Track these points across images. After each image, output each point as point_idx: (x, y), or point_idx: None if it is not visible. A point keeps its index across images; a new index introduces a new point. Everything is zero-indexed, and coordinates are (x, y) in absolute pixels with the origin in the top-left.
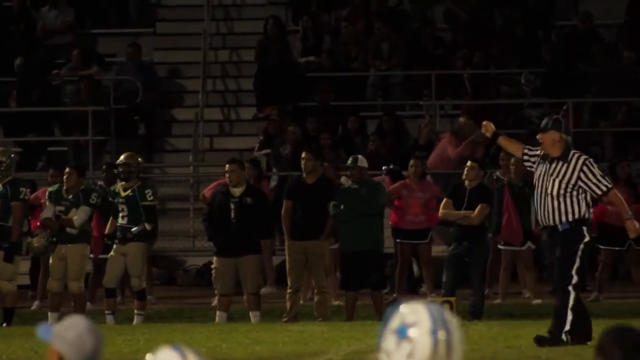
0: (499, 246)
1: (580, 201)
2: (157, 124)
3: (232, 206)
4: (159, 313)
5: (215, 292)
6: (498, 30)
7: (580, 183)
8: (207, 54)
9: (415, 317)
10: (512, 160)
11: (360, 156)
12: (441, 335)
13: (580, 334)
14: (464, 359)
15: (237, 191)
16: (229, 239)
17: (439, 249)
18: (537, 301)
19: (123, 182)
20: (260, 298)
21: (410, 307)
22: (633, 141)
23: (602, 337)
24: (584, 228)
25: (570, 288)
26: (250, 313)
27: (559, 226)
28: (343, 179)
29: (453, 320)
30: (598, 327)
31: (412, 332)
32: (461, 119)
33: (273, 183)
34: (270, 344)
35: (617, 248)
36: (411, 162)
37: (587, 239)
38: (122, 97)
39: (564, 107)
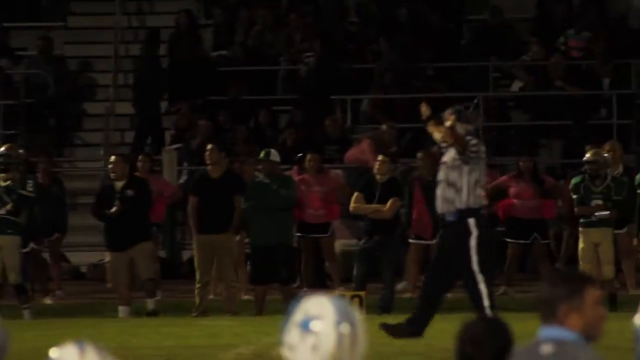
0: (410, 240)
1: (469, 190)
2: (68, 118)
3: (115, 201)
4: (68, 308)
5: (108, 285)
6: (409, 25)
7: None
8: (118, 48)
9: (319, 310)
10: (420, 154)
11: (272, 150)
12: (345, 328)
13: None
14: (374, 353)
15: (119, 184)
16: (116, 232)
17: (347, 243)
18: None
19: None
20: (157, 285)
21: (314, 300)
22: (543, 136)
23: (471, 329)
24: (471, 220)
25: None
26: (147, 300)
27: (446, 216)
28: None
29: (357, 314)
30: (509, 322)
31: (316, 325)
32: (383, 126)
33: (184, 177)
34: (180, 338)
35: (523, 242)
36: (308, 156)
37: (475, 232)
38: (32, 91)
39: (475, 101)
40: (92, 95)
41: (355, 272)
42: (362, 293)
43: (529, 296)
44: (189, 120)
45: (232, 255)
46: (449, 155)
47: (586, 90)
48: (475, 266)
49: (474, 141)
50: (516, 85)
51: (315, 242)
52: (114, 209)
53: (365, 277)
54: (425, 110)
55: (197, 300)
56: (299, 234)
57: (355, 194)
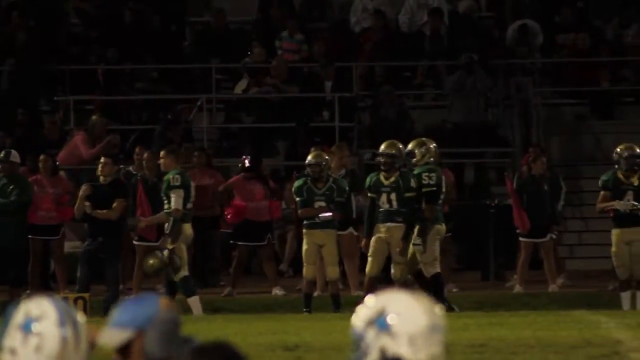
0: (134, 242)
1: None
2: None
3: None
4: None
5: None
6: (131, 26)
7: None
8: None
9: (40, 310)
10: (145, 155)
11: (13, 151)
12: (69, 329)
13: None
14: (99, 355)
15: None
16: None
17: (73, 245)
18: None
19: None
20: None
21: (35, 302)
22: (272, 137)
23: (192, 356)
24: None
25: None
26: None
27: None
28: None
29: (79, 315)
30: (231, 323)
31: (38, 326)
32: (94, 117)
33: None
34: None
35: (254, 243)
36: (41, 157)
37: None
38: None
39: (198, 103)
40: None
41: (78, 274)
42: (85, 295)
43: (253, 297)
44: None
45: None
46: None
47: (308, 93)
48: None
49: None
50: (240, 87)
51: (45, 244)
52: None
53: (88, 279)
54: None
55: None
56: (30, 236)
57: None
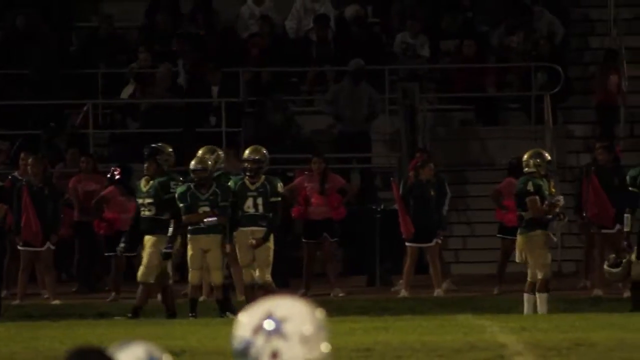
0: (19, 247)
1: None
2: None
3: None
4: None
5: None
6: (17, 30)
7: None
8: None
9: None
10: (30, 160)
11: None
12: None
13: None
14: None
15: None
16: None
17: None
18: (56, 302)
19: None
20: None
21: None
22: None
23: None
24: None
25: None
26: None
27: None
28: None
29: None
30: (116, 328)
31: None
32: None
33: None
34: None
35: (128, 254)
36: None
37: None
38: None
39: (85, 108)
40: None
41: None
42: None
43: (131, 302)
44: None
45: None
46: None
47: (195, 98)
48: None
49: None
50: (126, 93)
51: None
52: None
53: None
54: None
55: None
56: None
57: None
